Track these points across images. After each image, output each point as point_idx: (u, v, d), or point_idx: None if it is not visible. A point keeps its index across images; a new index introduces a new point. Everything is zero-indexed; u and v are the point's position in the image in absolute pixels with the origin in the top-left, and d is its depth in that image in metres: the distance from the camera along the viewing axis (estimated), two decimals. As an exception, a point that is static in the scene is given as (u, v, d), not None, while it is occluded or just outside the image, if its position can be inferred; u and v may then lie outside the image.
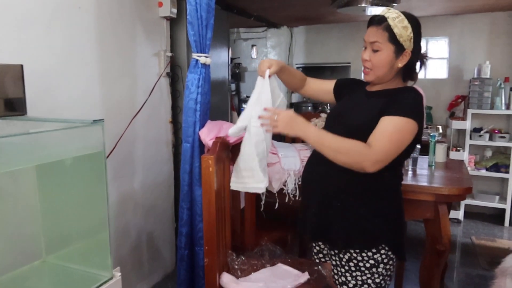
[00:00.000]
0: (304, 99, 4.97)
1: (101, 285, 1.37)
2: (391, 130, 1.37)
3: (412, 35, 1.40)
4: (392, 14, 1.41)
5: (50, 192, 1.53)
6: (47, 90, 1.81)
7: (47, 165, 1.44)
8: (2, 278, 1.39)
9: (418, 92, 1.46)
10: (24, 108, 1.45)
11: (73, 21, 1.95)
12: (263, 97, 1.51)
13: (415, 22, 1.42)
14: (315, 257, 1.73)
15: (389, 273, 1.53)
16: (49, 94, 1.82)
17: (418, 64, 1.53)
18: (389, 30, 1.40)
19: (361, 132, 1.40)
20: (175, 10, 2.65)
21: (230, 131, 1.61)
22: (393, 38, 1.40)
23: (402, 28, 1.39)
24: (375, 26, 1.44)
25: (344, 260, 1.51)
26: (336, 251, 1.54)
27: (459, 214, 4.02)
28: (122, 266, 1.54)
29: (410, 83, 1.56)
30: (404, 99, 1.43)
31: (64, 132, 1.38)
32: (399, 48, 1.41)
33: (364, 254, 1.47)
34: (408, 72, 1.50)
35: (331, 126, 1.60)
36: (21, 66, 1.43)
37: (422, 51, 1.52)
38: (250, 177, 1.61)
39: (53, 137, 1.35)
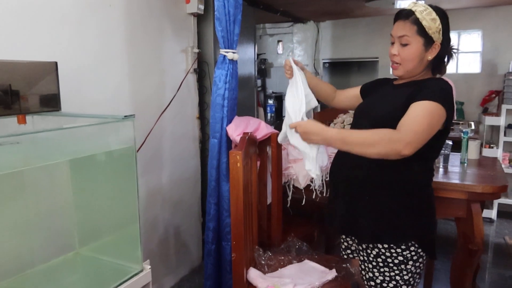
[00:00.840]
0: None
1: (131, 277, 1.40)
2: (420, 113, 1.33)
3: (440, 26, 1.39)
4: (420, 8, 1.39)
5: (83, 186, 1.58)
6: (79, 87, 1.86)
7: (80, 160, 1.48)
8: (37, 268, 1.44)
9: (446, 82, 1.43)
10: (58, 104, 1.48)
11: (103, 19, 1.99)
12: (295, 102, 1.53)
13: (442, 14, 1.41)
14: (343, 253, 1.72)
15: (418, 270, 1.50)
16: (81, 90, 1.87)
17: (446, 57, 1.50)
18: (417, 23, 1.38)
19: (387, 122, 1.38)
20: (202, 7, 2.66)
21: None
22: (422, 30, 1.38)
23: (430, 21, 1.37)
24: (402, 20, 1.42)
25: (372, 255, 1.49)
26: (364, 247, 1.52)
27: (492, 213, 3.89)
28: (150, 259, 1.57)
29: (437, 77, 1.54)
30: (432, 86, 1.40)
31: (96, 127, 1.41)
32: (428, 40, 1.40)
33: (393, 250, 1.45)
34: (438, 64, 1.48)
35: (357, 121, 1.59)
36: (56, 63, 1.46)
37: (452, 43, 1.49)
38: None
39: (86, 132, 1.38)
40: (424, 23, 1.37)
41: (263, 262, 1.76)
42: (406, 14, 1.41)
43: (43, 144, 1.28)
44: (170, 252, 2.65)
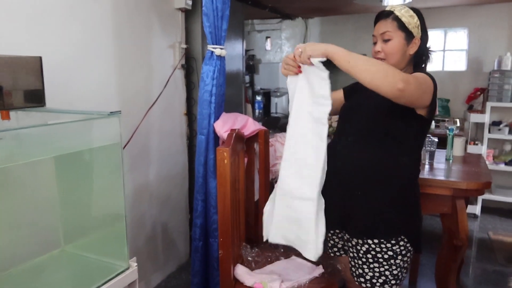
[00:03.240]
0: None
1: (118, 274, 1.39)
2: (417, 74, 1.42)
3: (418, 22, 1.50)
4: (397, 7, 1.51)
5: (68, 183, 1.56)
6: (65, 82, 1.83)
7: (65, 156, 1.46)
8: (22, 266, 1.42)
9: (430, 73, 1.50)
10: (43, 100, 1.46)
11: (89, 13, 1.96)
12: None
13: (419, 13, 1.52)
14: (330, 251, 1.73)
15: (406, 265, 1.52)
16: (67, 85, 1.84)
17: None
18: (397, 19, 1.49)
19: (381, 117, 1.44)
20: (190, 2, 2.64)
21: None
22: (402, 26, 1.48)
23: (409, 17, 1.49)
24: (383, 19, 1.52)
25: (362, 251, 1.51)
26: (354, 243, 1.53)
27: (476, 209, 3.95)
28: (137, 257, 1.56)
29: None
30: (419, 71, 1.49)
31: (81, 123, 1.40)
32: (408, 34, 1.49)
33: (383, 246, 1.47)
34: (418, 62, 1.56)
35: (350, 118, 1.60)
36: (40, 58, 1.44)
37: (432, 43, 1.59)
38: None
39: (71, 129, 1.36)
40: (403, 19, 1.48)
41: (250, 258, 1.77)
42: (386, 14, 1.51)
43: (28, 140, 1.26)
44: (157, 249, 2.63)
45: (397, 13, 1.48)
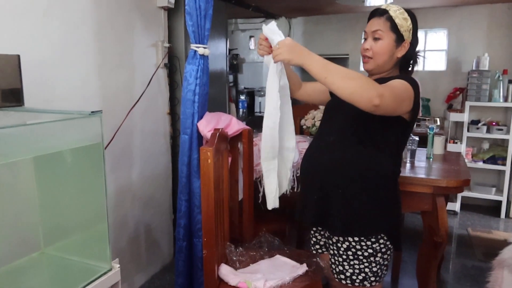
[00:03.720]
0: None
1: (100, 276, 1.37)
2: (395, 83, 1.42)
3: (411, 26, 1.50)
4: (393, 7, 1.51)
5: (48, 184, 1.53)
6: (44, 81, 1.79)
7: (45, 157, 1.43)
8: (0, 269, 1.38)
9: (412, 77, 1.51)
10: (21, 99, 1.43)
11: (70, 10, 1.92)
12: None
13: (413, 16, 1.52)
14: (312, 248, 1.74)
15: (386, 262, 1.54)
16: (46, 84, 1.81)
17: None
18: (391, 20, 1.48)
19: (362, 118, 1.42)
20: (172, 0, 2.62)
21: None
22: (394, 27, 1.48)
23: (403, 19, 1.48)
24: (377, 17, 1.51)
25: (343, 249, 1.52)
26: (334, 240, 1.55)
27: (456, 206, 4.04)
28: (120, 258, 1.54)
29: None
30: (401, 76, 1.50)
31: (61, 123, 1.37)
32: (399, 37, 1.49)
33: (363, 243, 1.49)
34: (405, 65, 1.56)
35: (331, 117, 1.61)
36: (18, 56, 1.41)
37: (418, 49, 1.59)
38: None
39: (50, 129, 1.33)
40: (397, 20, 1.48)
41: (234, 258, 1.77)
42: (381, 12, 1.51)
43: (6, 140, 1.22)
44: (140, 250, 2.61)
45: (391, 13, 1.48)
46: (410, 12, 1.51)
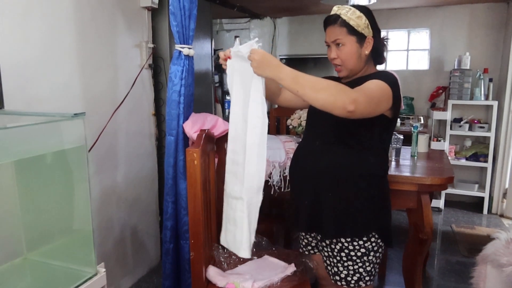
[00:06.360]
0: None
1: (85, 281, 1.34)
2: (371, 85, 1.40)
3: (367, 22, 1.47)
4: (343, 10, 1.48)
5: (30, 188, 1.49)
6: (24, 83, 1.75)
7: (27, 160, 1.40)
8: (-19, 276, 1.35)
9: (391, 72, 1.50)
10: (1, 102, 1.40)
11: (51, 10, 1.88)
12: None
13: (366, 10, 1.49)
14: (304, 249, 1.74)
15: (378, 261, 1.56)
16: (27, 87, 1.76)
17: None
18: (345, 24, 1.46)
19: (343, 120, 1.39)
20: (156, 0, 2.60)
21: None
22: (351, 30, 1.46)
23: (356, 19, 1.46)
24: (332, 26, 1.50)
25: (336, 250, 1.53)
26: (328, 242, 1.55)
27: (440, 203, 4.10)
28: (106, 261, 1.51)
29: (380, 69, 1.62)
30: (379, 74, 1.49)
31: (43, 126, 1.34)
32: (360, 37, 1.48)
33: (355, 243, 1.49)
34: (376, 56, 1.55)
35: (314, 122, 1.61)
36: (-3, 58, 1.38)
37: (383, 35, 1.58)
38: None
39: (32, 132, 1.30)
40: (351, 22, 1.45)
41: (222, 259, 1.76)
42: (333, 20, 1.49)
43: (-15, 144, 1.19)
44: (126, 253, 2.58)
45: (343, 17, 1.46)
46: (361, 8, 1.48)
